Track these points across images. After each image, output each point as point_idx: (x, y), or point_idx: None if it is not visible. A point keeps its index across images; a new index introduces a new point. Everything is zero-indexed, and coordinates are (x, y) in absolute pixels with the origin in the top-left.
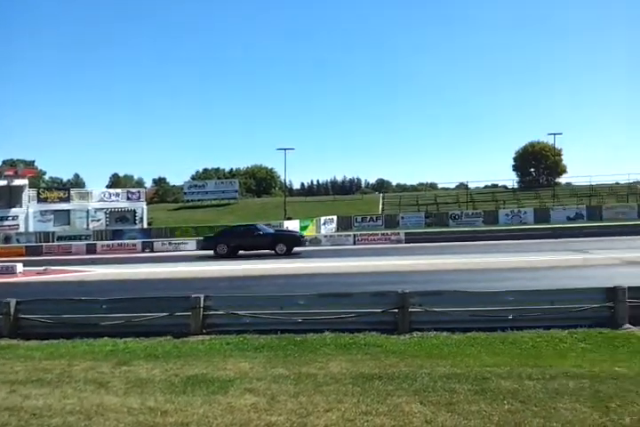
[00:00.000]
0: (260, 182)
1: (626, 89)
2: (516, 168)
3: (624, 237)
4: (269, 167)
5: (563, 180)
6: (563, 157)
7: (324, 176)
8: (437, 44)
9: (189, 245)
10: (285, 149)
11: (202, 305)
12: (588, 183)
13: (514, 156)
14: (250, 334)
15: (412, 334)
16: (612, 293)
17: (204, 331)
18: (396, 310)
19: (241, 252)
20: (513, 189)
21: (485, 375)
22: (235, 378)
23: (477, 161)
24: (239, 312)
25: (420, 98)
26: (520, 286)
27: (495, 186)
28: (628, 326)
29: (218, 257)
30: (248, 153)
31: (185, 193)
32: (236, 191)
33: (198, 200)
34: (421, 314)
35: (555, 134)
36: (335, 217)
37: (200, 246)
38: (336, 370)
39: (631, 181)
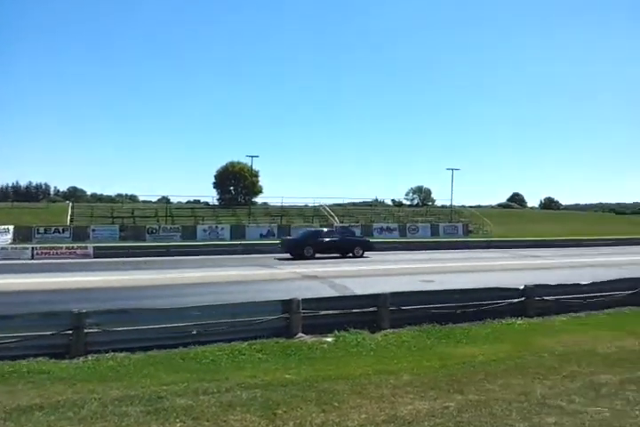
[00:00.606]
0: None
1: (315, 123)
2: (216, 186)
3: None
4: None
5: (259, 199)
6: (260, 178)
7: (3, 179)
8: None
9: None
10: None
11: None
12: (281, 204)
13: (215, 174)
14: None
15: (87, 357)
16: (288, 305)
17: None
18: (70, 332)
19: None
20: (213, 206)
21: (161, 394)
22: None
23: (182, 176)
24: None
25: (121, 106)
26: (209, 300)
27: (198, 202)
28: (300, 334)
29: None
30: None
31: None
32: None
33: None
34: (99, 335)
35: (252, 157)
36: (12, 227)
37: (284, 250)
38: None
39: (316, 205)
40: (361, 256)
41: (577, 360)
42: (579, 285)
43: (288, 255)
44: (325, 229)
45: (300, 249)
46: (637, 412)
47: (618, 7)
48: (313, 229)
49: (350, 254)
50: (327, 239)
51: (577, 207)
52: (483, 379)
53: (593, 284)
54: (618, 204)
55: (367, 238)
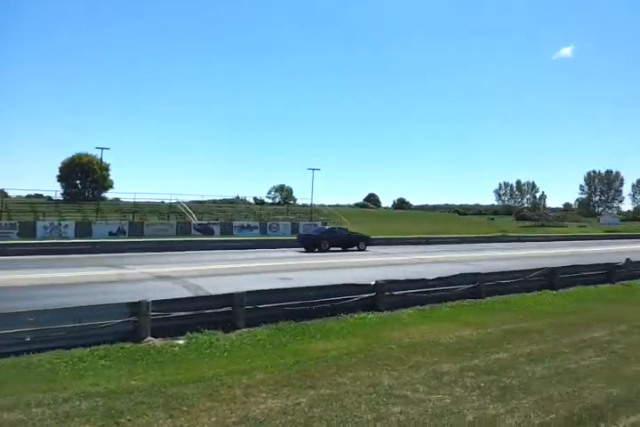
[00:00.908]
0: None
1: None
2: (61, 179)
3: (162, 253)
4: None
5: (109, 195)
6: (111, 172)
7: None
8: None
9: None
10: None
11: None
12: (133, 200)
13: (60, 166)
14: None
15: None
16: (136, 307)
17: None
18: None
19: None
20: (56, 201)
21: None
22: None
23: (23, 167)
24: None
25: None
26: (48, 304)
27: (40, 196)
28: (149, 338)
29: (315, 252)
30: None
31: None
32: None
33: None
34: None
35: (102, 149)
36: None
37: (302, 244)
38: None
39: (173, 201)
40: (364, 249)
41: (422, 351)
42: (425, 280)
43: (136, 254)
44: (336, 227)
45: (318, 244)
46: (474, 397)
47: None
48: (327, 226)
49: (355, 248)
50: (339, 235)
51: (425, 208)
52: (334, 373)
53: (438, 279)
54: (461, 205)
55: (368, 235)
